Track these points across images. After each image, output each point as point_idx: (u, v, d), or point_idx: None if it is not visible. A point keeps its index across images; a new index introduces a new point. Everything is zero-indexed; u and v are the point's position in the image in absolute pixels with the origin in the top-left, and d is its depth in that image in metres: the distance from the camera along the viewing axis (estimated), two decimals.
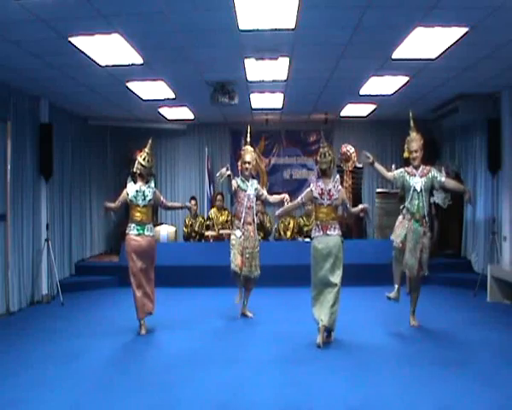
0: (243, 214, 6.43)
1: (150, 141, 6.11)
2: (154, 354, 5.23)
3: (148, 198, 5.94)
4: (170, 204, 6.69)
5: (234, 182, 6.47)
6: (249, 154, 6.53)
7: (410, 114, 6.05)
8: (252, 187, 6.50)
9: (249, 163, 6.49)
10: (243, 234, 6.40)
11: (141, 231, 5.87)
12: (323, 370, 4.62)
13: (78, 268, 9.48)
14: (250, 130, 6.81)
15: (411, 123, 5.99)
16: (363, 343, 5.43)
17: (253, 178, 6.81)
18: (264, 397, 3.99)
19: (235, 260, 6.34)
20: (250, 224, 6.44)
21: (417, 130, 5.98)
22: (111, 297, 8.28)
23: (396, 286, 5.87)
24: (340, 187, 5.53)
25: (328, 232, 5.40)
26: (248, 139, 6.73)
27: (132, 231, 5.90)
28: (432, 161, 10.10)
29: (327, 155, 5.50)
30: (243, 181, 6.50)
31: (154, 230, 6.10)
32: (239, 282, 6.45)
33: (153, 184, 6.06)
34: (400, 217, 5.96)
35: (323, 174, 5.55)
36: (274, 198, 6.71)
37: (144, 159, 5.95)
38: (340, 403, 3.86)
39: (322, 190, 5.45)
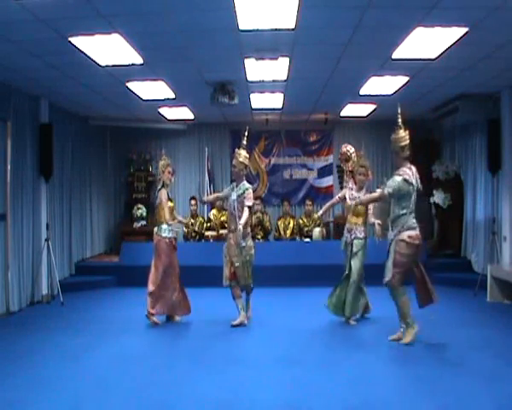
0: (228, 222, 6.35)
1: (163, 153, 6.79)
2: (154, 353, 5.23)
3: (156, 199, 6.49)
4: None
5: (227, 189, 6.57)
6: (235, 158, 6.29)
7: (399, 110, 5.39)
8: (235, 193, 6.16)
9: (234, 166, 6.31)
10: (227, 242, 6.23)
11: (155, 230, 6.45)
12: (323, 370, 4.62)
13: (78, 268, 9.48)
14: (248, 133, 6.53)
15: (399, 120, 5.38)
16: (362, 343, 5.43)
17: (250, 182, 6.50)
18: (264, 397, 3.98)
19: (224, 273, 6.20)
20: (233, 232, 6.13)
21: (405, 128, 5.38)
22: (111, 297, 8.29)
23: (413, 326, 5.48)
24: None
25: None
26: (245, 142, 6.39)
27: None
28: (432, 161, 10.19)
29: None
30: (232, 187, 6.31)
31: (163, 229, 6.33)
32: (235, 296, 6.20)
33: (159, 186, 6.50)
34: None
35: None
36: (245, 215, 6.08)
37: None
38: (340, 403, 3.85)
39: None
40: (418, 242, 5.31)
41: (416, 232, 5.29)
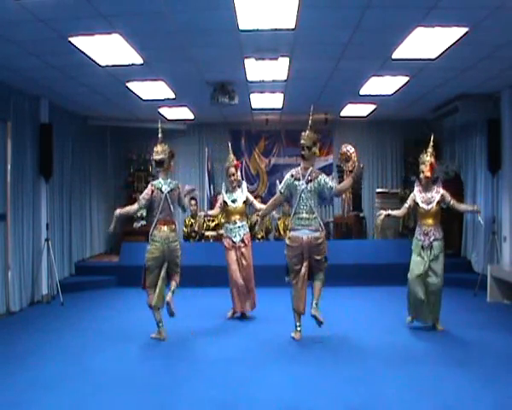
0: (162, 216, 5.74)
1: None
2: (154, 353, 5.22)
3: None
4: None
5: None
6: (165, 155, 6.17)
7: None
8: (167, 186, 5.90)
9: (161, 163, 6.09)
10: (164, 242, 5.64)
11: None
12: (323, 370, 4.62)
13: (78, 268, 9.48)
14: (161, 129, 6.36)
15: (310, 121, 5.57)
16: (363, 343, 5.42)
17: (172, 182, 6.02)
18: (264, 397, 3.99)
19: (151, 280, 5.69)
20: (172, 230, 5.74)
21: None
22: (111, 297, 8.29)
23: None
24: None
25: None
26: (160, 135, 6.19)
27: None
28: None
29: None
30: (159, 183, 5.97)
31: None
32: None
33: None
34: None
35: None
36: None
37: None
38: (340, 403, 3.86)
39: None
40: (296, 244, 5.49)
41: (295, 234, 5.51)
